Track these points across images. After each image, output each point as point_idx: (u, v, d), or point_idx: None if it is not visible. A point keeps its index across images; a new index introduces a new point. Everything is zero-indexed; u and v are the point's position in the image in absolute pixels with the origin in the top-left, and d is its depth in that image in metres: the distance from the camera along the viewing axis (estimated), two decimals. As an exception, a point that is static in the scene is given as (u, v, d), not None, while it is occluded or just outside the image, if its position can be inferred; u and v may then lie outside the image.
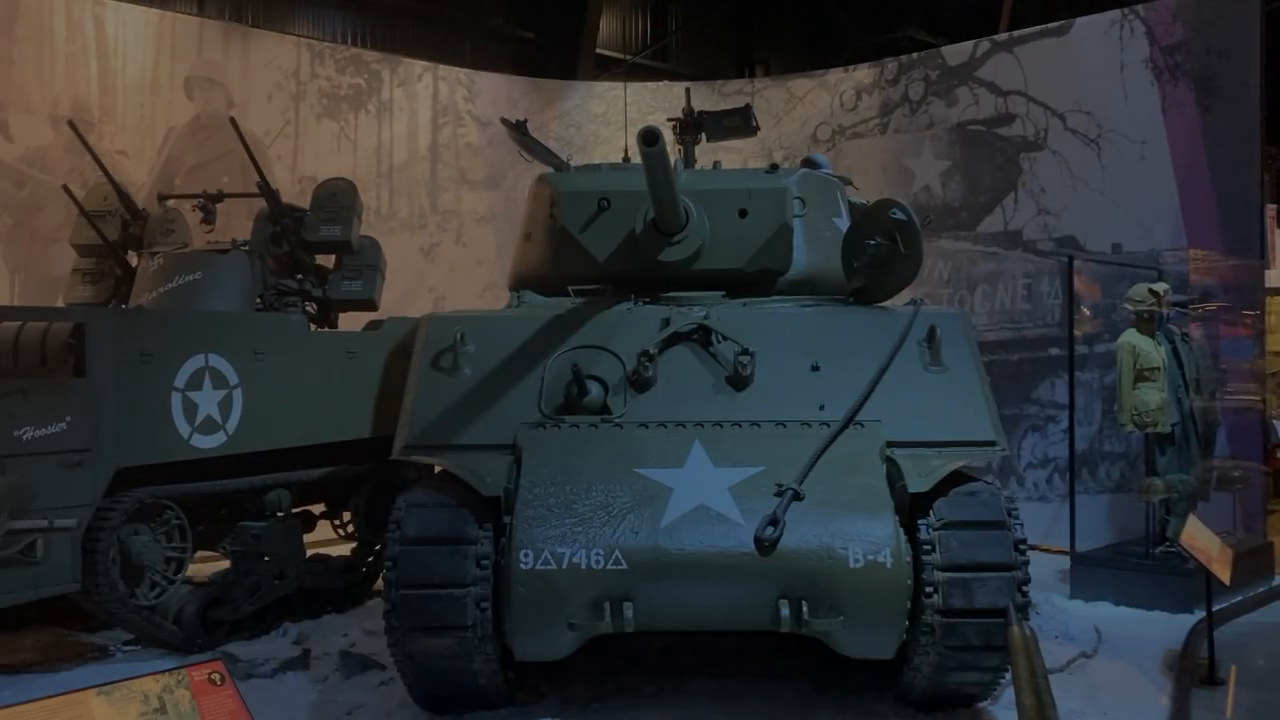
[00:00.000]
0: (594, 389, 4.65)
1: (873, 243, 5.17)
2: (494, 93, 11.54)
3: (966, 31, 11.62)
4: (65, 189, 6.99)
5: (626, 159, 7.11)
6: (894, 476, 4.27)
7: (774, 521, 3.99)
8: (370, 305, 7.36)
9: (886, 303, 5.40)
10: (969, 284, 9.97)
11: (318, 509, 7.36)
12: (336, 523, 7.47)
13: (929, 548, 4.05)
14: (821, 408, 4.61)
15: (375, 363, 7.05)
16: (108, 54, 8.74)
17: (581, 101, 11.97)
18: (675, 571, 3.93)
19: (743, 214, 5.53)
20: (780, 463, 4.27)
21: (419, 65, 11.14)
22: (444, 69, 11.32)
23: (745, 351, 4.69)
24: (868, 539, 3.98)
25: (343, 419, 6.79)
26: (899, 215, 5.07)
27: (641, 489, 4.15)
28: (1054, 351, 9.44)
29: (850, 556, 3.94)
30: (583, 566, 3.92)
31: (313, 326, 7.28)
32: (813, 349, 4.85)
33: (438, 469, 4.37)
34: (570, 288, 5.47)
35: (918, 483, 4.09)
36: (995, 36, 10.19)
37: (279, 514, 6.42)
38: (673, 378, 4.74)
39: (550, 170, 6.39)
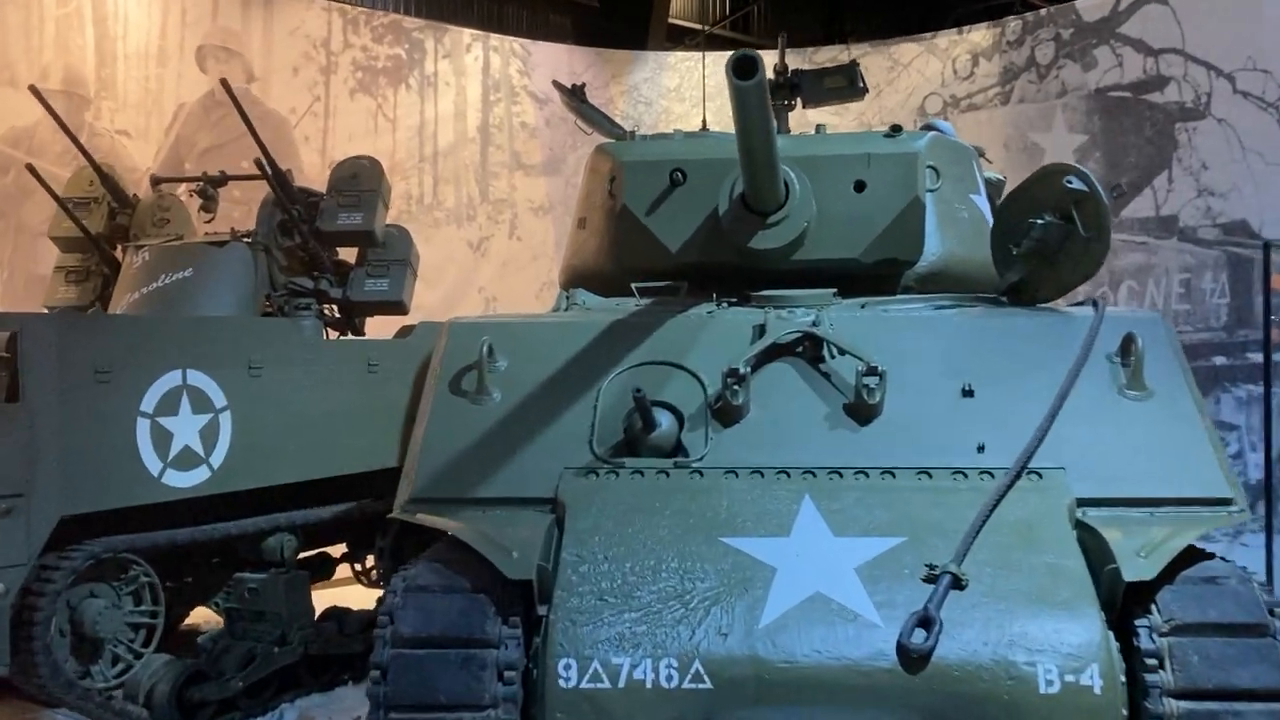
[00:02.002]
0: (664, 421, 3.57)
1: (1040, 222, 4.03)
2: (553, 65, 10.54)
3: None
4: (30, 169, 6.12)
5: (705, 129, 6.05)
6: (1093, 551, 3.10)
7: (926, 622, 2.87)
8: (398, 308, 6.39)
9: (1053, 303, 4.22)
10: (1112, 280, 8.67)
11: (337, 550, 6.40)
12: (359, 568, 6.50)
13: (1154, 662, 2.87)
14: (980, 449, 3.47)
15: (403, 377, 6.06)
16: (106, 19, 7.94)
17: (652, 74, 10.94)
18: (781, 694, 2.84)
19: (860, 187, 4.41)
20: (928, 531, 3.15)
21: (467, 34, 10.21)
22: (496, 38, 10.38)
23: (871, 370, 3.57)
24: (1064, 649, 2.85)
25: (362, 446, 5.83)
26: (1077, 185, 3.90)
27: (731, 568, 3.07)
28: (1219, 361, 8.11)
29: (1040, 676, 2.81)
30: (648, 685, 2.85)
31: (332, 333, 6.33)
32: (963, 367, 3.72)
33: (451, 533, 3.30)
34: (635, 285, 4.40)
35: (1137, 565, 2.93)
36: (1145, -17, 8.88)
37: (281, 564, 5.44)
38: (771, 406, 3.65)
39: (610, 140, 5.34)
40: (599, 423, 3.65)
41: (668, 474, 3.47)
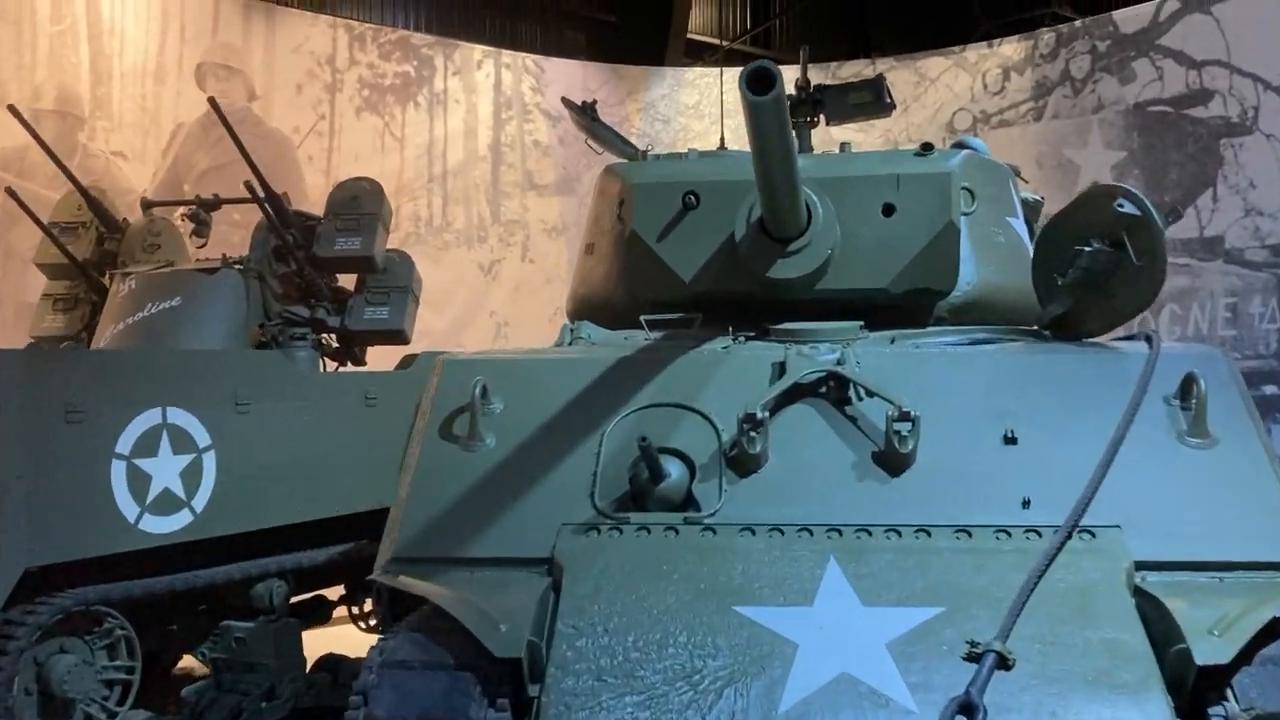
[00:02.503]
0: (673, 470, 3.27)
1: (1087, 249, 3.70)
2: (567, 81, 10.29)
3: (1107, 4, 9.87)
4: (9, 192, 5.89)
5: (723, 148, 5.75)
6: (1155, 623, 2.77)
7: (968, 709, 2.56)
8: (399, 337, 6.13)
9: (1101, 337, 3.90)
10: (1154, 304, 8.29)
11: (334, 592, 6.12)
12: (356, 611, 6.21)
13: (1230, 758, 2.53)
14: (1026, 504, 3.16)
15: (403, 410, 5.72)
16: (101, 36, 7.76)
17: (670, 91, 10.69)
18: (805, 791, 2.51)
19: (888, 211, 4.11)
20: (969, 600, 2.84)
21: (479, 50, 10.01)
22: (508, 55, 10.18)
23: (903, 415, 3.26)
24: (1126, 742, 2.50)
25: (359, 484, 5.57)
26: (1129, 209, 3.58)
27: (747, 643, 2.76)
28: (1270, 390, 7.73)
29: (1099, 773, 2.47)
30: (653, 779, 2.53)
31: (331, 364, 6.08)
32: (1005, 410, 3.40)
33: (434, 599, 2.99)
34: (644, 318, 4.09)
35: (1210, 646, 2.60)
36: (1186, -7, 8.56)
37: (270, 612, 5.15)
38: (792, 454, 3.34)
39: (621, 160, 5.05)
40: (601, 472, 3.35)
41: (677, 531, 3.16)
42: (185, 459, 4.67)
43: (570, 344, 4.25)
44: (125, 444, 4.43)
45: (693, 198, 4.19)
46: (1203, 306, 8.11)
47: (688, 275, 4.19)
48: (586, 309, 4.75)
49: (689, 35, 13.19)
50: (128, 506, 4.42)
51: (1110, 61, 8.67)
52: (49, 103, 7.41)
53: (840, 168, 4.27)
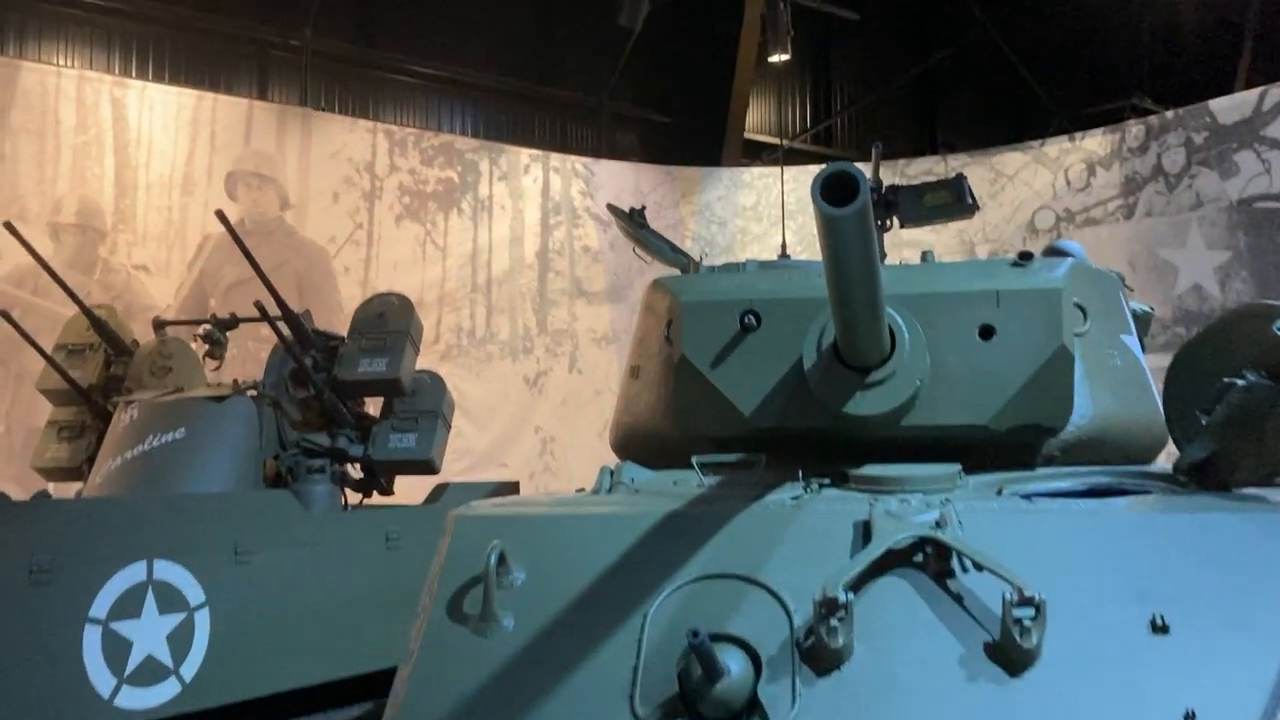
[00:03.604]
0: (734, 667, 2.67)
1: (1240, 382, 3.07)
2: (618, 183, 9.95)
3: (1196, 95, 9.31)
4: (3, 315, 5.52)
5: (785, 255, 5.26)
6: None
7: None
8: (427, 467, 5.62)
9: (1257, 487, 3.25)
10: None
11: (353, 758, 5.50)
12: (377, 779, 5.57)
13: None
14: (1190, 718, 2.46)
15: (428, 549, 5.15)
16: (128, 146, 7.53)
17: (726, 192, 10.29)
18: None
19: (987, 334, 3.53)
20: None
21: (525, 154, 9.68)
22: (557, 158, 9.84)
23: (1025, 600, 2.62)
24: None
25: (378, 639, 4.99)
26: (1293, 333, 2.94)
27: None
28: None
29: None
30: None
31: (355, 499, 5.60)
32: (1149, 587, 2.77)
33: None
34: (697, 459, 3.52)
35: None
36: (1294, 79, 7.98)
37: (271, 792, 4.56)
38: (883, 645, 2.73)
39: (672, 273, 4.57)
40: (644, 667, 2.75)
41: (739, 749, 2.53)
42: (174, 619, 4.15)
43: (609, 490, 3.69)
44: (101, 606, 3.92)
45: (752, 318, 3.64)
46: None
47: (748, 409, 3.61)
48: (631, 441, 4.21)
49: (746, 135, 12.85)
50: (102, 679, 3.90)
51: (1208, 154, 8.09)
52: (69, 216, 7.16)
53: (927, 282, 3.70)
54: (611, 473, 3.80)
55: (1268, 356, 3.01)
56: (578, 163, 9.93)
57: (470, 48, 10.50)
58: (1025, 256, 3.87)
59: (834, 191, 2.26)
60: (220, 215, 5.36)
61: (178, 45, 8.59)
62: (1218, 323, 3.27)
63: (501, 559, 2.95)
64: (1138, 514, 3.01)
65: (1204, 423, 3.17)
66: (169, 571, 4.15)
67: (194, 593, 4.23)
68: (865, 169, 5.08)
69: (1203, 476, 3.27)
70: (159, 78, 8.31)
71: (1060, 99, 14.70)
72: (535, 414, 9.27)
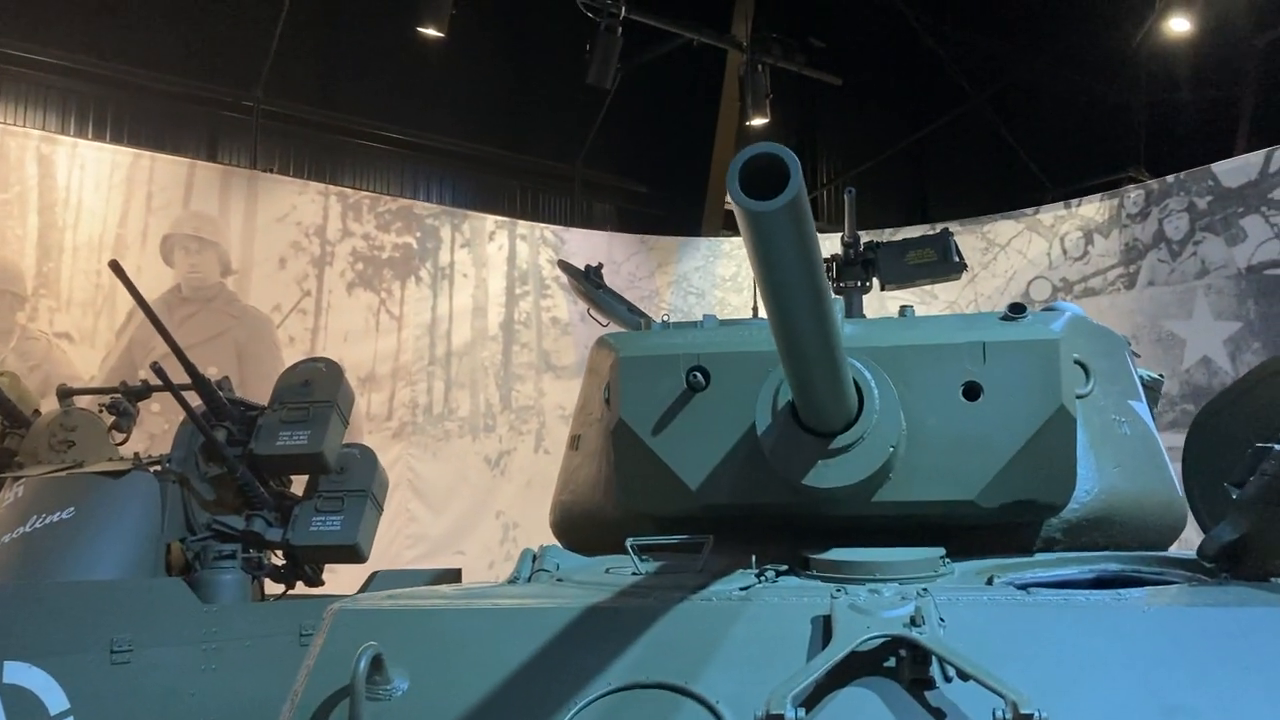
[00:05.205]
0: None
1: (1276, 448, 2.59)
2: (591, 252, 9.58)
3: (1193, 160, 9.01)
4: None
5: (756, 315, 4.86)
6: None
7: None
8: (353, 554, 5.13)
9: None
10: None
11: None
12: None
13: None
14: None
15: (352, 650, 4.65)
16: (54, 206, 7.16)
17: (705, 262, 9.95)
18: None
19: (972, 392, 3.08)
20: None
21: (491, 220, 9.33)
22: (524, 225, 9.50)
23: (1020, 717, 2.13)
24: None
25: (286, 750, 4.36)
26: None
27: None
28: None
29: None
30: None
31: (277, 589, 5.11)
32: (1174, 701, 2.31)
33: None
34: (630, 542, 3.03)
35: None
36: (1301, 140, 7.67)
37: None
38: (847, 772, 2.20)
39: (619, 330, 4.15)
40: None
41: None
42: (25, 735, 3.60)
43: (530, 578, 3.18)
44: (-75, 723, 3.38)
45: (700, 376, 3.18)
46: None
47: (695, 482, 3.15)
48: (570, 522, 3.76)
49: (727, 206, 12.57)
50: (-69, 805, 3.33)
51: (1213, 220, 7.76)
52: (-14, 281, 6.73)
53: (902, 334, 3.24)
54: (535, 557, 3.31)
55: (1311, 417, 2.56)
56: (547, 230, 9.61)
57: (436, 111, 10.22)
58: (1017, 309, 3.41)
59: (756, 178, 1.81)
60: (114, 265, 4.96)
61: (121, 103, 8.26)
62: (1245, 379, 2.85)
63: (377, 664, 2.45)
64: (1159, 609, 2.52)
65: (1234, 498, 2.73)
66: (24, 675, 3.63)
67: (55, 699, 3.72)
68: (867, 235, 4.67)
69: (1235, 563, 2.81)
70: (99, 136, 7.95)
71: (1054, 173, 14.50)
72: (497, 497, 8.81)
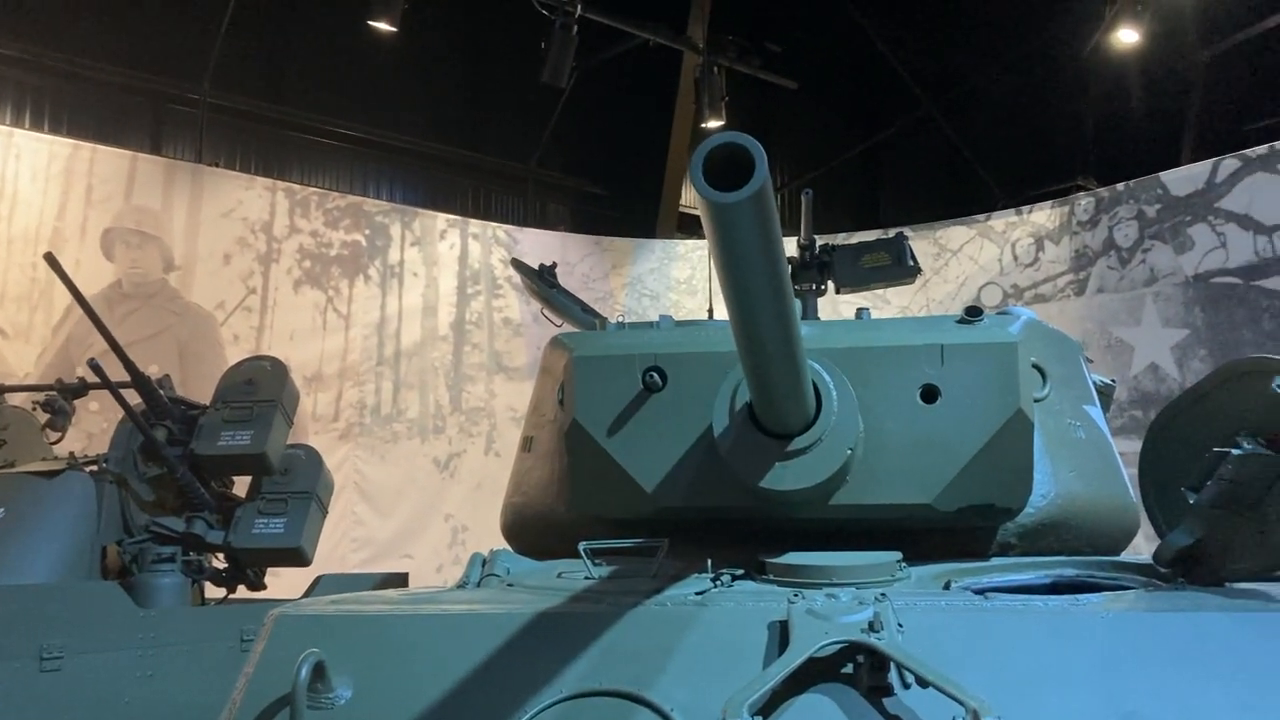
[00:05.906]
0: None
1: (1235, 451, 2.64)
2: (544, 253, 9.47)
3: (1141, 169, 9.11)
4: None
5: (712, 316, 4.85)
6: None
7: None
8: (296, 557, 5.03)
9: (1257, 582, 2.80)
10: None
11: None
12: None
13: None
14: None
15: (294, 655, 4.54)
16: (-12, 197, 6.88)
17: (659, 265, 9.92)
18: None
19: (930, 395, 3.06)
20: None
21: (441, 219, 9.23)
22: (476, 224, 9.42)
23: (976, 720, 2.10)
24: None
25: (224, 758, 4.25)
26: (1302, 392, 2.51)
27: None
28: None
29: None
30: None
31: (219, 593, 5.01)
32: (1133, 706, 2.25)
33: None
34: (584, 546, 2.98)
35: None
36: (1248, 151, 7.75)
37: None
38: (802, 781, 2.16)
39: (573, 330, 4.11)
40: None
41: None
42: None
43: (479, 583, 3.11)
44: None
45: (656, 376, 3.14)
46: (1296, 512, 6.95)
47: (651, 484, 3.11)
48: (521, 526, 3.69)
49: (682, 208, 12.56)
50: None
51: (1161, 228, 7.86)
52: (-88, 274, 6.53)
53: (860, 336, 3.22)
54: (484, 561, 3.24)
55: (1268, 419, 2.55)
56: (499, 229, 9.51)
57: (387, 107, 10.11)
58: (973, 312, 3.41)
59: (720, 168, 1.76)
60: (49, 258, 4.82)
61: (61, 93, 8.07)
62: (1204, 383, 2.83)
63: (319, 672, 2.38)
64: (1117, 614, 2.51)
65: (1191, 502, 2.71)
66: (-54, 681, 3.49)
67: (-20, 707, 3.56)
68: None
69: (1190, 568, 2.80)
70: (36, 126, 7.76)
71: (1005, 180, 14.65)
72: (446, 500, 8.70)
